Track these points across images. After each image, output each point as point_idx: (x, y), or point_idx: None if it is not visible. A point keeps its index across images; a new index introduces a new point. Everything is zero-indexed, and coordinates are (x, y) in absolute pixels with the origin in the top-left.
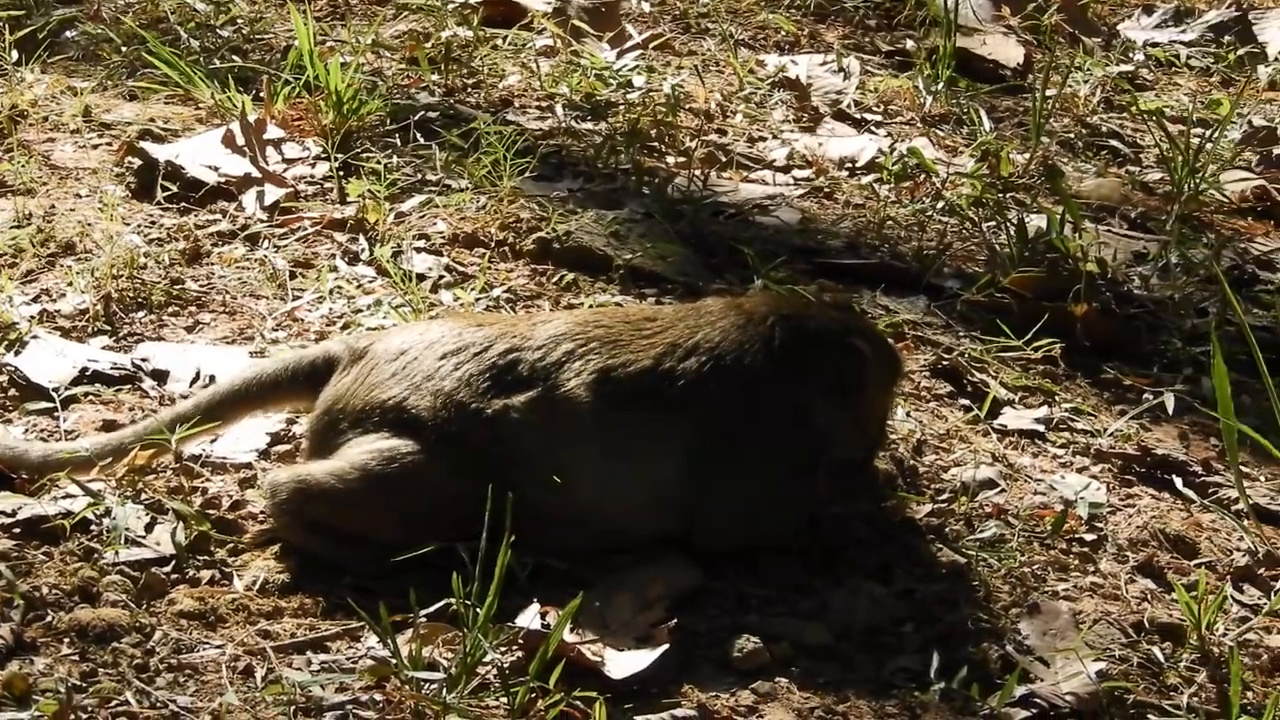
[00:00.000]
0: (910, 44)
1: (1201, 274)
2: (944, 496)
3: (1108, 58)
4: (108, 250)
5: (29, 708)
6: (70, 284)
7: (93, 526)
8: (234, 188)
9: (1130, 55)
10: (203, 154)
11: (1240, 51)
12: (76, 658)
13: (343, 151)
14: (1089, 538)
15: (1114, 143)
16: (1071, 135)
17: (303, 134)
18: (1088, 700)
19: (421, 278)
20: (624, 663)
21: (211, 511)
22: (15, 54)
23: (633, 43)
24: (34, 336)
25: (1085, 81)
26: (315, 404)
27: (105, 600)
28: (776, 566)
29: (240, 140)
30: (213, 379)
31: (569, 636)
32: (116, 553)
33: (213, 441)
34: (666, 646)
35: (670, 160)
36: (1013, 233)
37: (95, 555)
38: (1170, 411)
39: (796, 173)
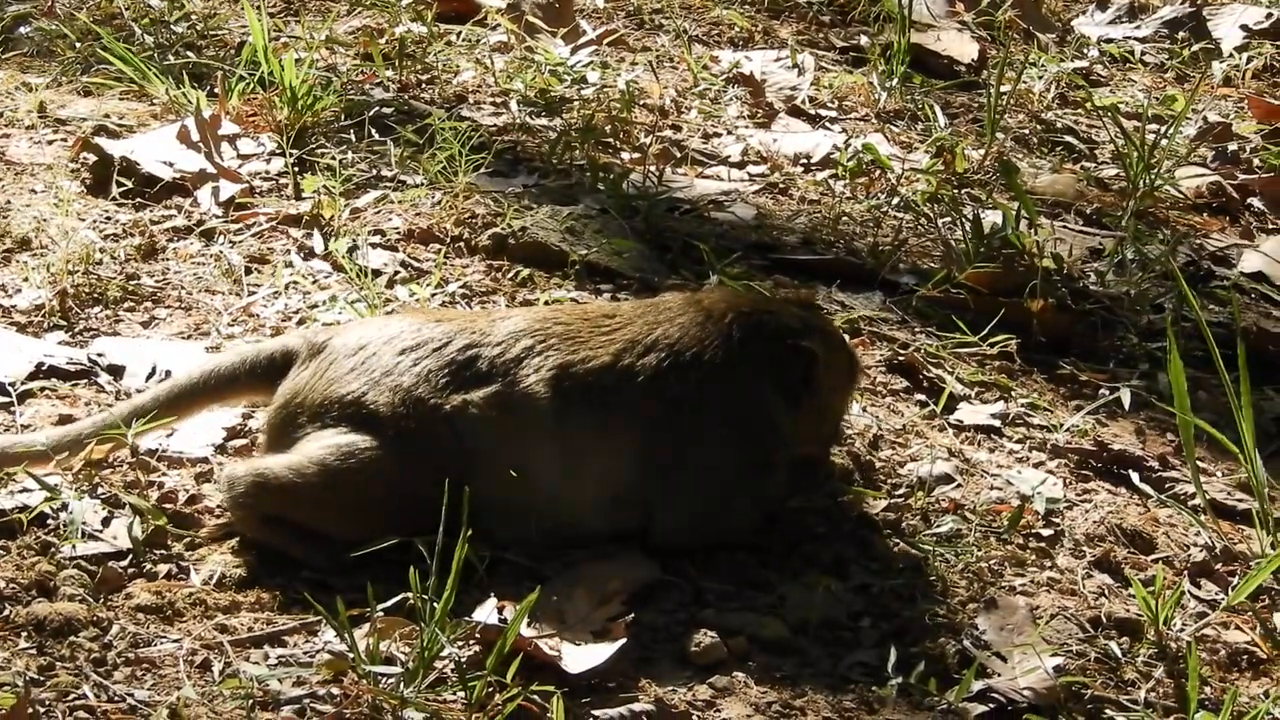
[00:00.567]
0: (864, 40)
1: (1157, 270)
2: (900, 492)
3: (1062, 54)
4: (63, 246)
5: None
6: (26, 279)
7: (49, 521)
8: (189, 184)
9: (1085, 51)
10: (158, 150)
11: (1194, 47)
12: (34, 651)
13: (297, 147)
14: (1046, 533)
15: (1069, 139)
16: (1026, 131)
17: (257, 130)
18: (1045, 695)
19: (377, 273)
20: (581, 657)
21: (168, 506)
22: None
23: (587, 39)
24: None
25: (1040, 77)
26: (273, 398)
27: (62, 594)
28: (733, 562)
29: (195, 136)
30: (168, 374)
31: (526, 631)
32: (73, 547)
33: (169, 435)
34: (624, 641)
35: (625, 156)
36: (968, 229)
37: (52, 549)
38: (1126, 407)
39: (751, 169)
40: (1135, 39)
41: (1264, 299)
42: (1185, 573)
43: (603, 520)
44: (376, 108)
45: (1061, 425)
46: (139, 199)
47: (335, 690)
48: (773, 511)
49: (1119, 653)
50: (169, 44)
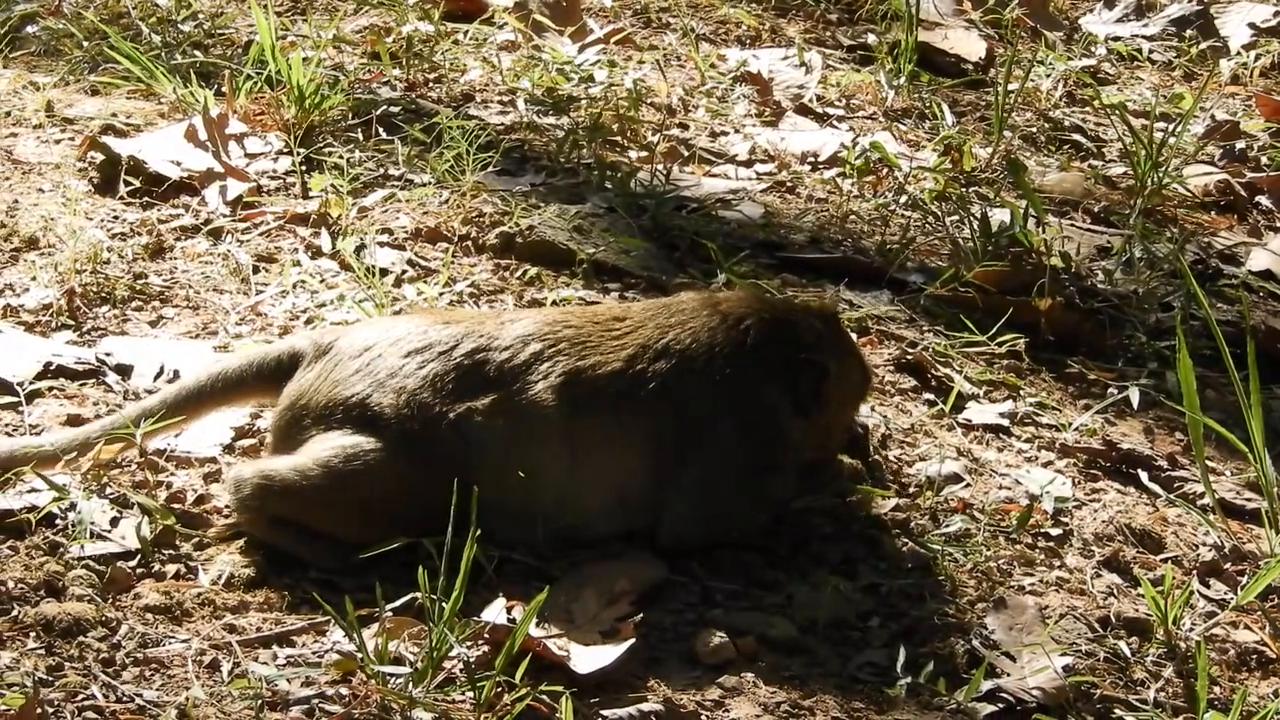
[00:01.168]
0: (872, 38)
1: (1165, 268)
2: (909, 491)
3: (1070, 52)
4: (71, 245)
5: None
6: (34, 279)
7: (58, 521)
8: (197, 182)
9: (1092, 49)
10: (165, 149)
11: (1202, 45)
12: (43, 652)
13: (305, 146)
14: (1055, 532)
15: (1076, 137)
16: (1034, 130)
17: (265, 129)
18: (1054, 695)
19: (384, 272)
20: (590, 657)
21: (176, 506)
22: None
23: (594, 37)
24: None
25: (1047, 76)
26: (280, 399)
27: (71, 594)
28: (741, 562)
29: (202, 135)
30: (176, 373)
31: (535, 631)
32: (82, 547)
33: (177, 436)
34: (632, 641)
35: (633, 155)
36: (976, 227)
37: (60, 550)
38: (1135, 406)
39: (759, 167)
40: (1143, 37)
41: (1272, 297)
42: (1194, 572)
43: (611, 521)
44: (384, 106)
45: (1070, 424)
46: (146, 198)
47: (344, 690)
48: (780, 512)
49: (1128, 652)
50: (176, 43)
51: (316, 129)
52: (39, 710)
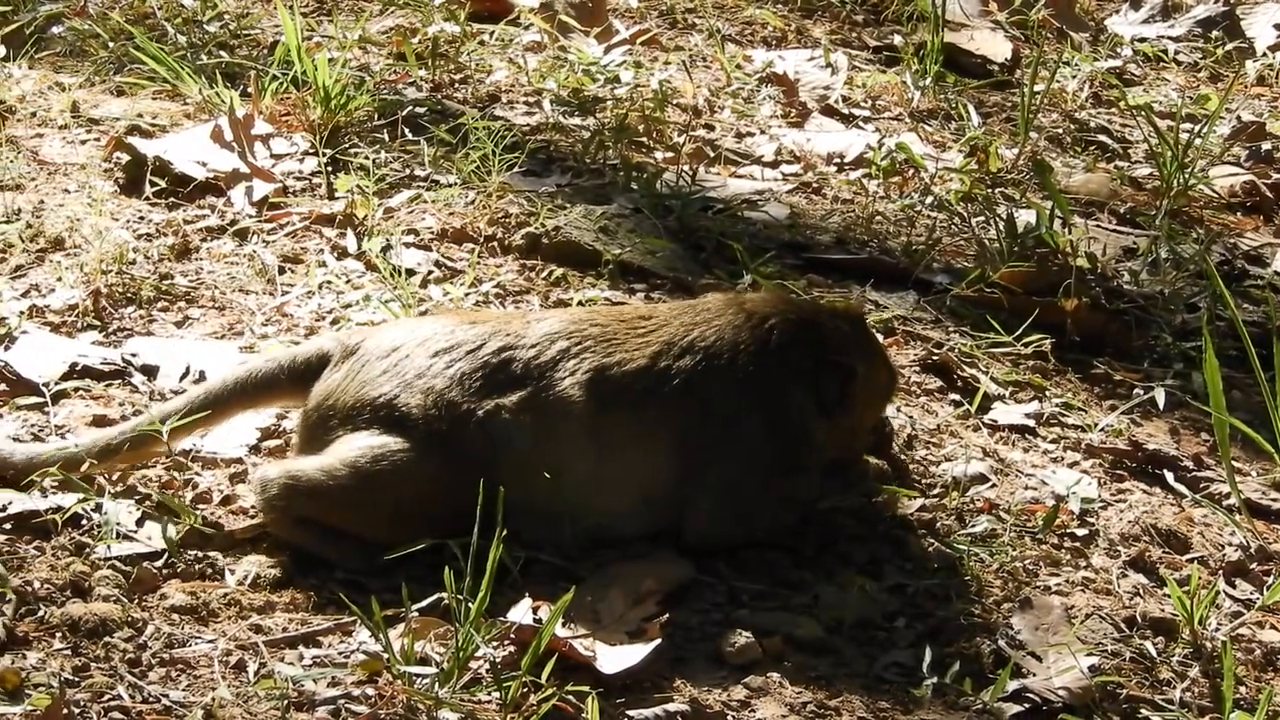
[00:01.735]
0: (898, 39)
1: (1191, 269)
2: (935, 491)
3: (1095, 53)
4: (97, 245)
5: (21, 702)
6: (59, 279)
7: (84, 521)
8: (222, 183)
9: (1118, 50)
10: (191, 149)
11: (1228, 46)
12: (69, 652)
13: (331, 147)
14: (1081, 533)
15: (1102, 138)
16: (1060, 130)
17: (290, 129)
18: (1080, 695)
19: (410, 273)
20: (616, 657)
21: (202, 506)
22: (2, 50)
23: (620, 38)
24: (23, 331)
25: (1073, 77)
26: (307, 400)
27: (97, 595)
28: (767, 562)
29: (228, 136)
30: (202, 374)
31: (561, 631)
32: (108, 547)
33: (203, 436)
34: (659, 641)
35: (658, 155)
36: (1002, 228)
37: (87, 550)
38: (1161, 406)
39: (785, 168)
40: (1169, 38)
41: None
42: (1220, 572)
43: (636, 521)
44: (410, 107)
45: (1096, 425)
46: (172, 199)
47: (370, 690)
48: (806, 512)
49: (1154, 652)
50: (202, 43)
51: (342, 130)
52: (65, 711)
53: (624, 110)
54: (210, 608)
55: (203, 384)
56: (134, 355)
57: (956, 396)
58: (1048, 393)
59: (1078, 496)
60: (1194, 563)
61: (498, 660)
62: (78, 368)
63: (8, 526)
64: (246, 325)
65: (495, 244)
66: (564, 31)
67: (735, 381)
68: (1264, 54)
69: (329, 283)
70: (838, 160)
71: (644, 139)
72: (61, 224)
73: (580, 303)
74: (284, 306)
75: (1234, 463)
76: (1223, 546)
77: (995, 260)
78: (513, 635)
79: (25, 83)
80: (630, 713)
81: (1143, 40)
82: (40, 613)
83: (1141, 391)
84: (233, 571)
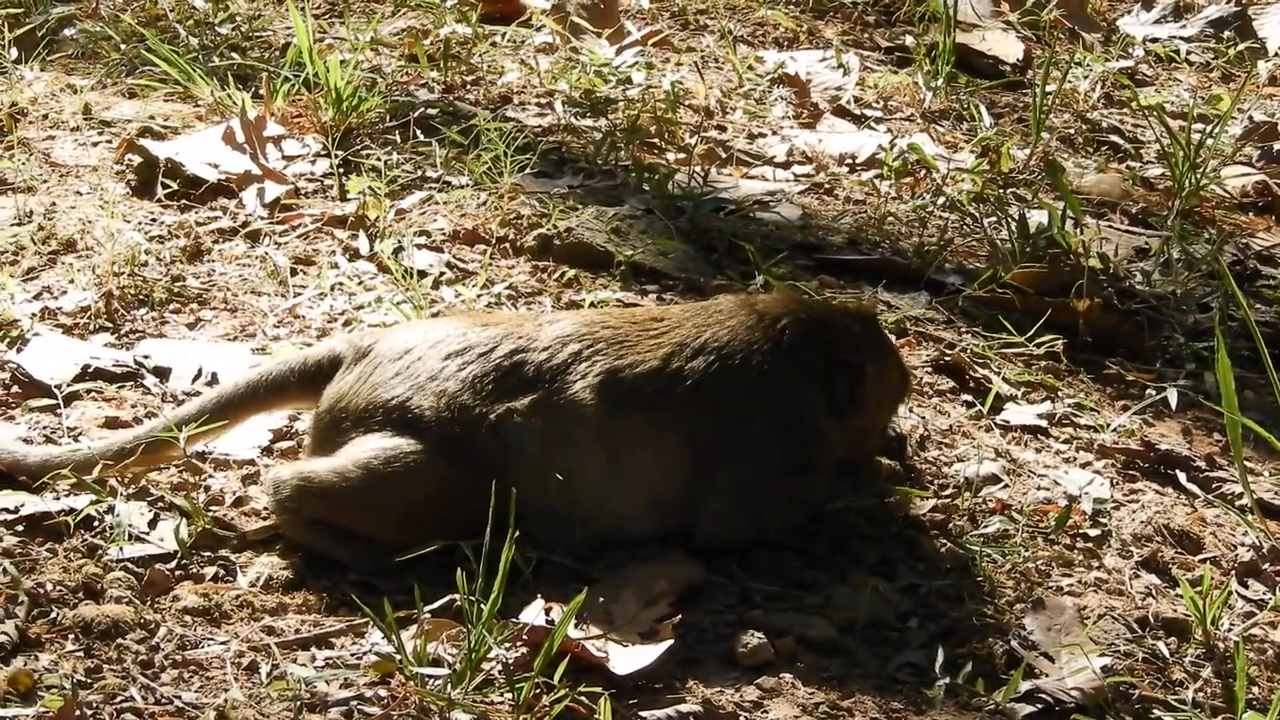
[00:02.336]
0: (909, 40)
1: (1203, 269)
2: (947, 492)
3: (1107, 53)
4: (109, 247)
5: (34, 704)
6: (72, 281)
7: (96, 523)
8: (234, 185)
9: (1130, 51)
10: (203, 151)
11: (1240, 46)
12: (81, 654)
13: (342, 148)
14: (1093, 533)
15: (1114, 138)
16: (1072, 131)
17: (302, 131)
18: (1093, 695)
19: (422, 274)
20: (629, 658)
21: (215, 508)
22: (14, 52)
23: (632, 39)
24: (36, 334)
25: (1085, 77)
26: (319, 402)
27: (109, 597)
28: (780, 562)
29: (240, 137)
30: (214, 376)
31: (574, 632)
32: (120, 549)
33: (215, 438)
34: (671, 642)
35: (670, 157)
36: (1014, 228)
37: (99, 552)
38: (1173, 407)
39: (797, 169)
40: (1180, 38)
41: None
42: (1233, 572)
43: (648, 522)
44: (421, 109)
45: (1108, 425)
46: (184, 200)
47: (383, 692)
48: (818, 512)
49: (1166, 653)
50: (214, 45)
51: (354, 131)
52: (78, 712)
53: (636, 111)
54: (223, 609)
55: (215, 388)
56: (146, 357)
57: (969, 397)
58: (1060, 393)
59: (1090, 497)
60: (1207, 563)
61: (510, 661)
62: (90, 369)
63: (20, 528)
64: (258, 327)
65: (507, 245)
66: (576, 33)
67: (747, 382)
68: (1276, 54)
69: (341, 284)
70: (850, 161)
71: (656, 140)
72: (73, 226)
73: (592, 304)
74: (296, 308)
75: (1246, 463)
76: (1235, 547)
77: (1007, 261)
78: (525, 636)
79: (37, 85)
80: (643, 713)
81: (1154, 40)
82: (53, 614)
83: (1154, 392)
84: (245, 573)
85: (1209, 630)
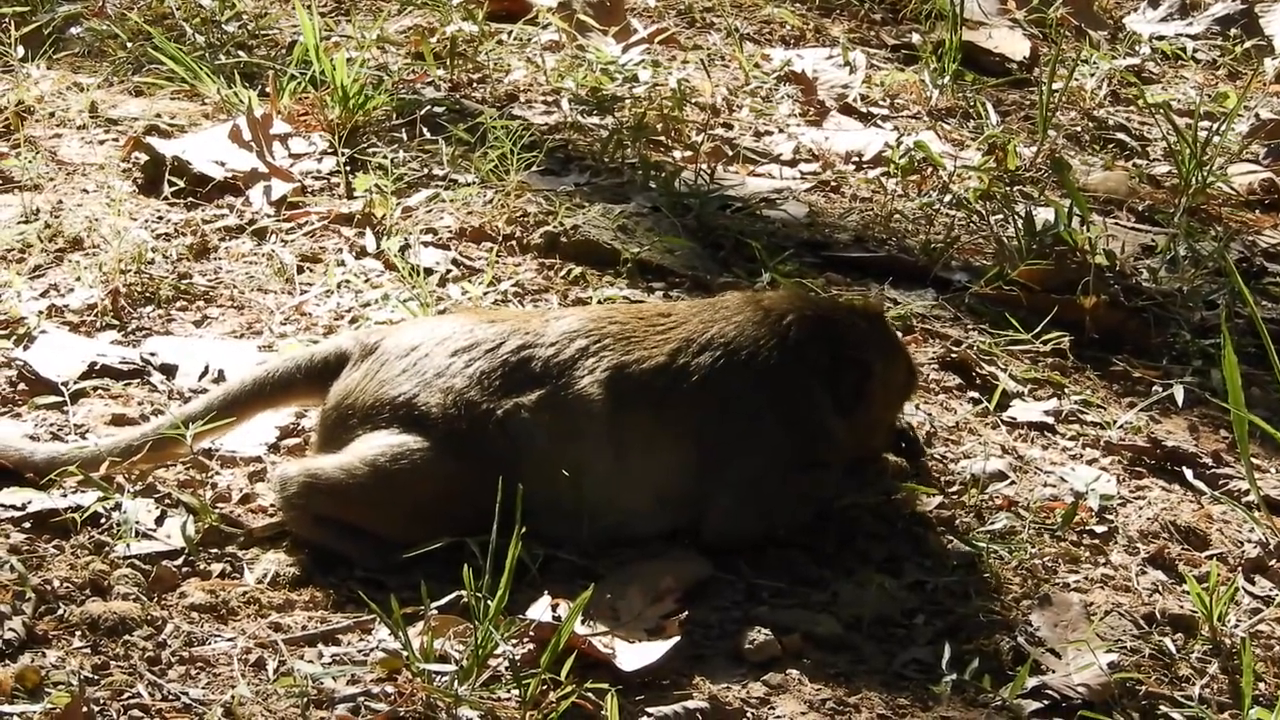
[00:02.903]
0: (916, 38)
1: (1210, 266)
2: (954, 489)
3: (1114, 51)
4: (115, 245)
5: (41, 700)
6: (78, 279)
7: (103, 520)
8: (241, 183)
9: (1136, 48)
10: (209, 149)
11: (1247, 44)
12: (88, 650)
13: (349, 146)
14: (1100, 530)
15: (1121, 136)
16: (1078, 128)
17: (309, 129)
18: (1099, 691)
19: (429, 272)
20: (635, 655)
21: (222, 505)
22: (21, 50)
23: (638, 37)
24: (42, 331)
25: (1091, 75)
26: (326, 399)
27: (116, 593)
28: (786, 559)
29: (247, 135)
30: (221, 373)
31: (580, 629)
32: (127, 546)
33: (223, 435)
34: (678, 639)
35: (677, 154)
36: (1020, 226)
37: (106, 549)
38: (1180, 403)
39: (803, 166)
40: (1187, 36)
41: None
42: (1239, 569)
43: (655, 519)
44: (428, 107)
45: (1115, 422)
46: (191, 198)
47: (389, 688)
48: (825, 509)
49: (1173, 649)
50: (220, 43)
51: (360, 129)
52: (85, 709)
53: (642, 109)
54: (229, 606)
55: (222, 385)
56: (153, 354)
57: (975, 394)
58: (1066, 390)
59: (1096, 493)
60: (1213, 559)
61: (517, 658)
62: (96, 367)
63: (27, 525)
64: (265, 324)
65: (514, 243)
66: (582, 31)
67: (753, 378)
68: None
69: (347, 282)
70: (856, 159)
71: (662, 138)
72: (80, 224)
73: (599, 301)
74: (302, 306)
75: (1253, 459)
76: (1242, 543)
77: (1014, 258)
78: (532, 633)
79: (44, 83)
80: (649, 710)
81: (1161, 38)
82: (60, 611)
83: (1160, 389)
84: (252, 570)
85: (1215, 627)
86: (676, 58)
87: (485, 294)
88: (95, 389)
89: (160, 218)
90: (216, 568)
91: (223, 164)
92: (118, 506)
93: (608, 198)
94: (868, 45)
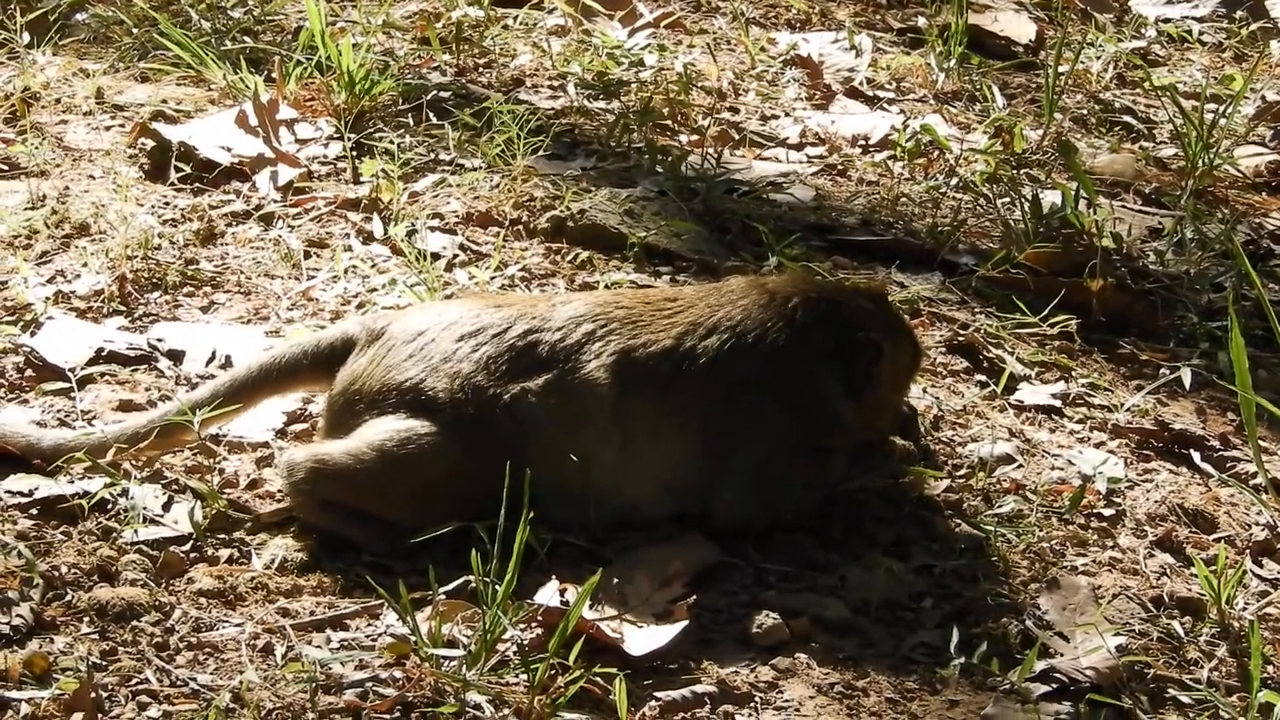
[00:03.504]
0: (922, 21)
1: (1217, 249)
2: (961, 472)
3: (1120, 33)
4: (122, 231)
5: (49, 686)
6: (85, 265)
7: (110, 506)
8: (247, 168)
9: (1142, 31)
10: (216, 135)
11: (1253, 26)
12: (96, 636)
13: (355, 131)
14: (1107, 513)
15: (1127, 118)
16: (1085, 111)
17: (315, 114)
18: (1107, 675)
19: (436, 257)
20: (643, 639)
21: (229, 490)
22: (27, 36)
23: (644, 21)
24: (49, 317)
25: (1098, 57)
26: (333, 384)
27: (124, 579)
28: (794, 543)
29: (253, 121)
30: (228, 359)
31: (588, 613)
32: (135, 532)
33: (230, 421)
34: (685, 623)
35: (683, 138)
36: (1027, 209)
37: (114, 534)
38: (1187, 386)
39: (809, 150)
40: (1193, 18)
41: None
42: (1247, 552)
43: (663, 503)
44: (434, 91)
45: (1122, 405)
46: (197, 184)
47: (397, 673)
48: (832, 493)
49: (1181, 632)
50: (226, 29)
51: (367, 114)
52: (93, 694)
53: (648, 93)
54: (237, 591)
55: (228, 371)
56: (160, 340)
57: (982, 377)
58: (1074, 373)
59: (1104, 476)
60: (1221, 542)
61: (525, 642)
62: (104, 353)
63: (35, 512)
64: (272, 310)
65: (520, 227)
66: (588, 15)
67: (759, 361)
68: None
69: (354, 267)
70: (862, 142)
71: (668, 122)
72: (87, 210)
73: (606, 286)
74: (309, 291)
75: (1260, 442)
76: (1249, 526)
77: (1020, 241)
78: (540, 617)
79: (50, 69)
80: (658, 694)
81: (1167, 21)
82: (67, 597)
83: (1167, 371)
84: (260, 555)
85: (1224, 609)
86: (682, 42)
87: (492, 279)
88: (102, 375)
89: (167, 203)
90: (224, 553)
91: (229, 149)
92: (125, 492)
93: (614, 182)
94: (873, 29)
